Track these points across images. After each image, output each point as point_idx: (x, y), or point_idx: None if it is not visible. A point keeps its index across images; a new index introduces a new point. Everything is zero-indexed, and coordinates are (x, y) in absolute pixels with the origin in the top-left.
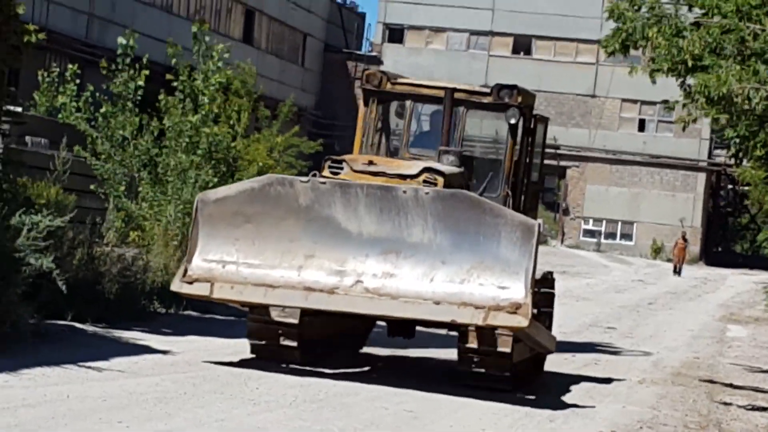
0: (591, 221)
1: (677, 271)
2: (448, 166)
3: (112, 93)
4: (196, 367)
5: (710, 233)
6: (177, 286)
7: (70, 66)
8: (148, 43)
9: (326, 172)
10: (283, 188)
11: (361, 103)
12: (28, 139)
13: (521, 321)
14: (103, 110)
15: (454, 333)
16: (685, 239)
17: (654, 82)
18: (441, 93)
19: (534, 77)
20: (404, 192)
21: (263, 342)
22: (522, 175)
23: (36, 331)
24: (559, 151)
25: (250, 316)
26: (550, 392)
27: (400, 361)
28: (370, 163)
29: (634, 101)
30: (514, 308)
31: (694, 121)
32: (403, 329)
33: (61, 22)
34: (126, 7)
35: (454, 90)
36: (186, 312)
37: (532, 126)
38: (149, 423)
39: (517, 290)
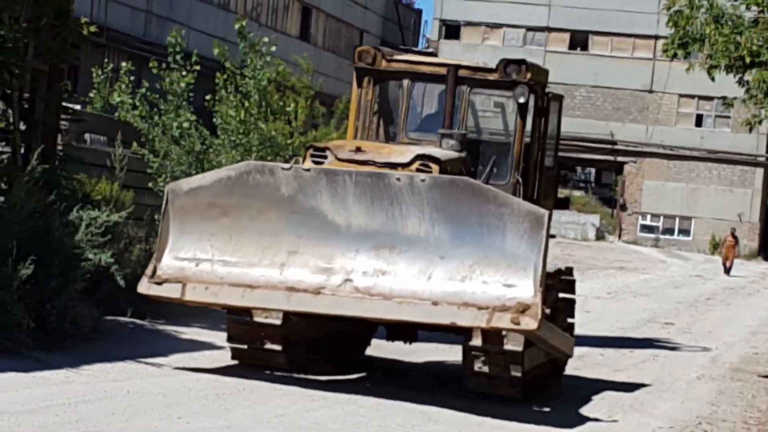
0: (648, 217)
1: (727, 271)
2: (447, 150)
3: (165, 91)
4: None
5: None
6: (144, 287)
7: (123, 63)
8: (205, 41)
9: (308, 163)
10: (263, 177)
11: (354, 83)
12: (87, 136)
13: (529, 323)
14: (141, 109)
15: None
16: (734, 236)
17: (713, 79)
18: (440, 70)
19: (591, 73)
20: (398, 179)
21: (245, 346)
22: (535, 160)
23: (96, 327)
24: (616, 147)
25: (230, 317)
26: (609, 387)
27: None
28: (358, 150)
29: (692, 96)
30: (522, 309)
31: (758, 123)
32: (403, 332)
33: (119, 20)
34: (183, 5)
35: (457, 67)
36: None
37: (545, 105)
38: (208, 419)
39: (525, 288)
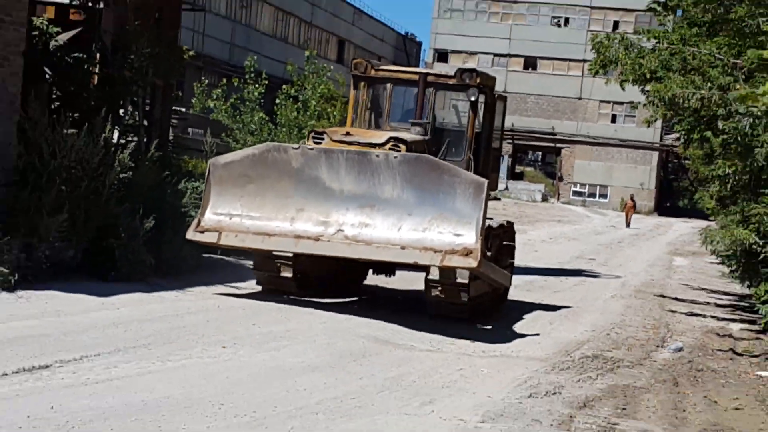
0: (578, 185)
1: (628, 225)
2: (414, 135)
3: (244, 99)
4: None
5: (661, 193)
6: (191, 234)
7: (222, 82)
8: (271, 64)
9: (310, 142)
10: (278, 154)
11: (351, 86)
12: (189, 130)
13: (471, 262)
14: (228, 111)
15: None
16: (632, 200)
17: (623, 89)
18: (414, 77)
19: (539, 86)
20: (377, 156)
21: (265, 273)
22: (483, 143)
23: (197, 263)
24: (556, 137)
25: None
26: (547, 306)
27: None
28: (347, 134)
29: (608, 102)
30: (467, 252)
31: (655, 121)
32: (384, 269)
33: (212, 49)
34: (256, 39)
35: (426, 74)
36: None
37: (492, 102)
38: (274, 325)
39: (470, 237)
